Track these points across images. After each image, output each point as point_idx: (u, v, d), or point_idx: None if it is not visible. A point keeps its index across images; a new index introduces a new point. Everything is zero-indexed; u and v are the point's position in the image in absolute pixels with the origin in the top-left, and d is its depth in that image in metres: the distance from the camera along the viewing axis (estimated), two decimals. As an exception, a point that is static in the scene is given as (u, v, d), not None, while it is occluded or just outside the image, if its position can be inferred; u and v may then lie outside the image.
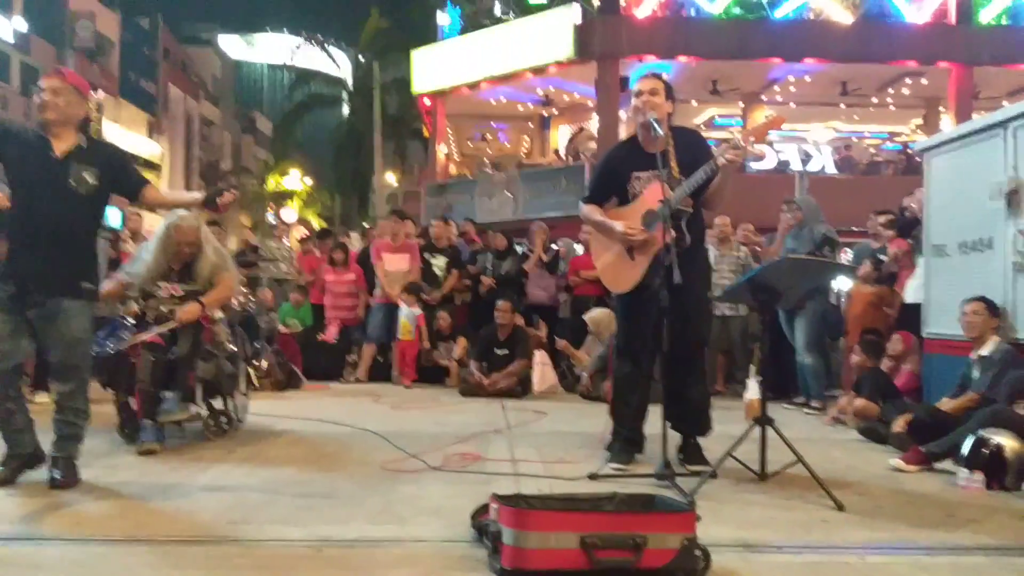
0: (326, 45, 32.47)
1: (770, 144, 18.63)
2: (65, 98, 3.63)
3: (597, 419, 4.95)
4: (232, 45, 50.85)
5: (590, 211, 4.42)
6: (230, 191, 3.82)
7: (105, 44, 26.92)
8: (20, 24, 24.39)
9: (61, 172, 3.58)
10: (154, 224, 6.35)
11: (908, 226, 6.94)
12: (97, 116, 25.30)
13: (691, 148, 4.16)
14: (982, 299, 4.81)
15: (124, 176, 3.81)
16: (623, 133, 18.20)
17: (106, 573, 2.53)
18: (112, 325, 4.72)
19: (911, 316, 6.25)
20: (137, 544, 2.81)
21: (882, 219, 7.31)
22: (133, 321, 4.74)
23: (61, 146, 3.63)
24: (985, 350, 4.71)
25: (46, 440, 3.68)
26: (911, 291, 6.45)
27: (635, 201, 4.23)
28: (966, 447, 3.98)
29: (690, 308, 4.02)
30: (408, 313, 8.31)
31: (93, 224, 3.80)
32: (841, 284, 7.07)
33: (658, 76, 4.32)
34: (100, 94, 26.19)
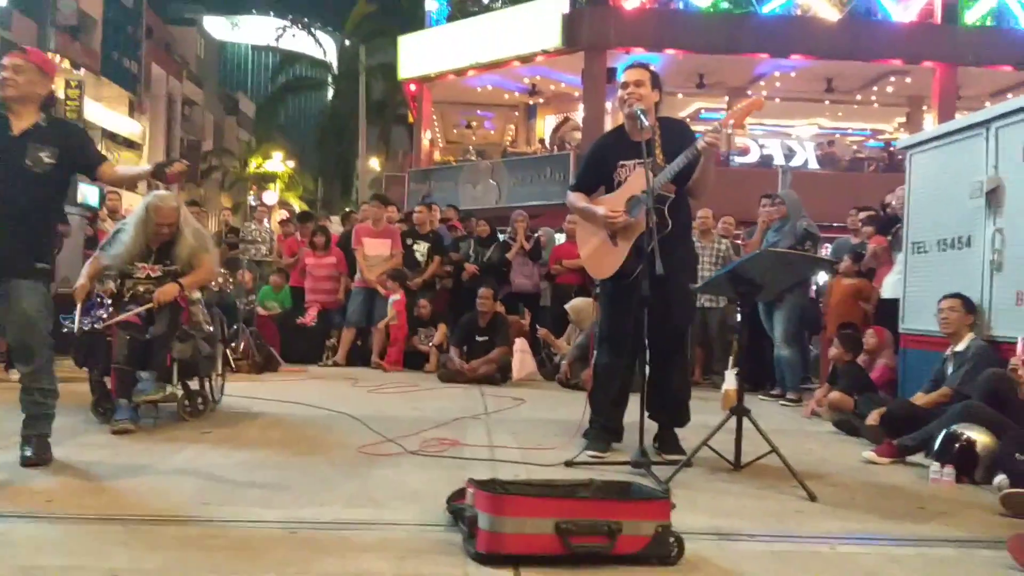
0: (312, 28, 32.22)
1: (754, 139, 18.73)
2: (26, 76, 3.59)
3: (575, 407, 4.96)
4: (217, 26, 50.36)
5: (575, 199, 4.43)
6: (180, 162, 3.79)
7: (88, 22, 26.55)
8: (1, 0, 23.99)
9: (17, 151, 3.54)
10: (133, 203, 6.29)
11: (888, 223, 6.99)
12: (77, 93, 25.01)
13: (677, 137, 4.16)
14: (958, 296, 4.86)
15: (82, 155, 3.76)
16: (609, 124, 18.21)
17: (78, 551, 2.51)
18: (89, 304, 4.67)
19: (888, 311, 6.31)
20: (110, 522, 2.79)
21: (862, 215, 7.37)
22: (109, 300, 4.69)
23: (19, 124, 3.58)
24: (960, 346, 4.76)
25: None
26: (888, 287, 6.51)
27: (620, 188, 4.24)
28: (938, 441, 4.03)
29: (672, 298, 4.03)
30: (390, 300, 8.30)
31: (49, 204, 3.74)
32: (820, 278, 7.13)
33: (644, 66, 4.31)
34: (81, 72, 25.86)
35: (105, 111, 27.48)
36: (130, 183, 4.57)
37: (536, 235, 9.25)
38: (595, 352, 4.58)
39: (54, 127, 3.69)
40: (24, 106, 3.61)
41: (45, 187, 3.63)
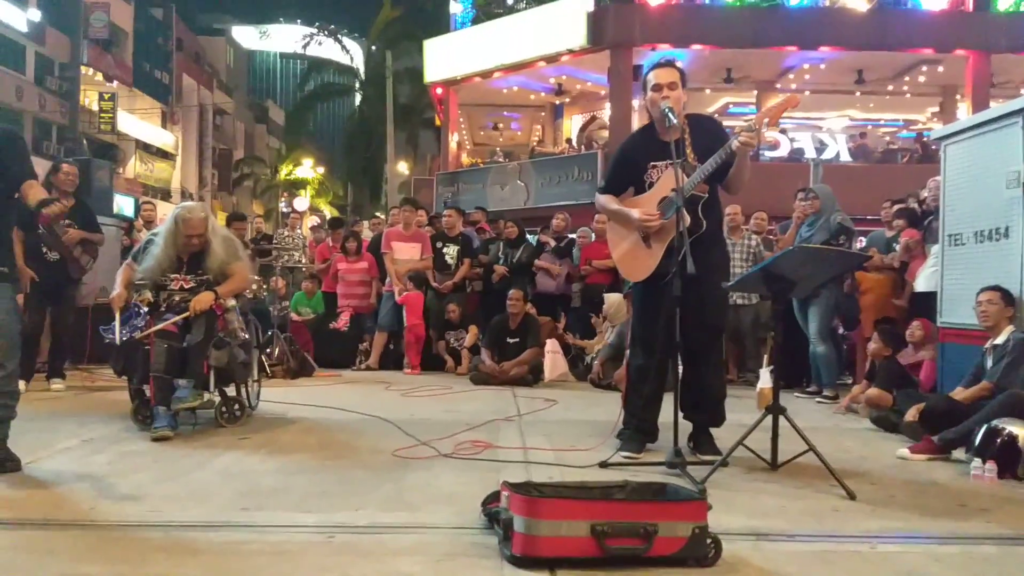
0: (339, 35, 32.45)
1: (784, 132, 18.53)
2: None
3: (608, 407, 4.95)
4: (245, 35, 50.95)
5: (606, 201, 4.40)
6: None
7: (119, 35, 27.03)
8: (34, 15, 24.51)
9: None
10: (167, 215, 6.39)
11: (920, 217, 6.90)
12: (111, 106, 25.44)
13: (708, 135, 4.13)
14: (997, 288, 4.77)
15: (12, 166, 3.67)
16: (636, 122, 18.13)
17: (119, 558, 2.55)
18: (127, 314, 4.75)
19: (923, 305, 6.22)
20: (150, 529, 2.84)
21: (893, 208, 7.30)
22: (147, 309, 4.76)
23: None
24: (999, 339, 4.67)
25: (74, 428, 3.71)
26: (922, 280, 6.42)
27: (651, 189, 4.21)
28: (979, 436, 3.96)
29: (707, 297, 4.00)
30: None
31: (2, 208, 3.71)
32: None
33: (675, 65, 4.26)
34: (114, 84, 26.32)
35: (139, 123, 27.95)
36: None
37: (576, 235, 9.27)
38: (628, 353, 4.55)
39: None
40: None
41: None
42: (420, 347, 8.44)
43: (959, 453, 4.21)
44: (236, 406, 5.02)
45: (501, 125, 25.11)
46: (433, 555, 2.60)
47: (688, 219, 3.90)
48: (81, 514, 3.01)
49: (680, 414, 3.82)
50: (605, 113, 19.79)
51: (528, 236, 9.59)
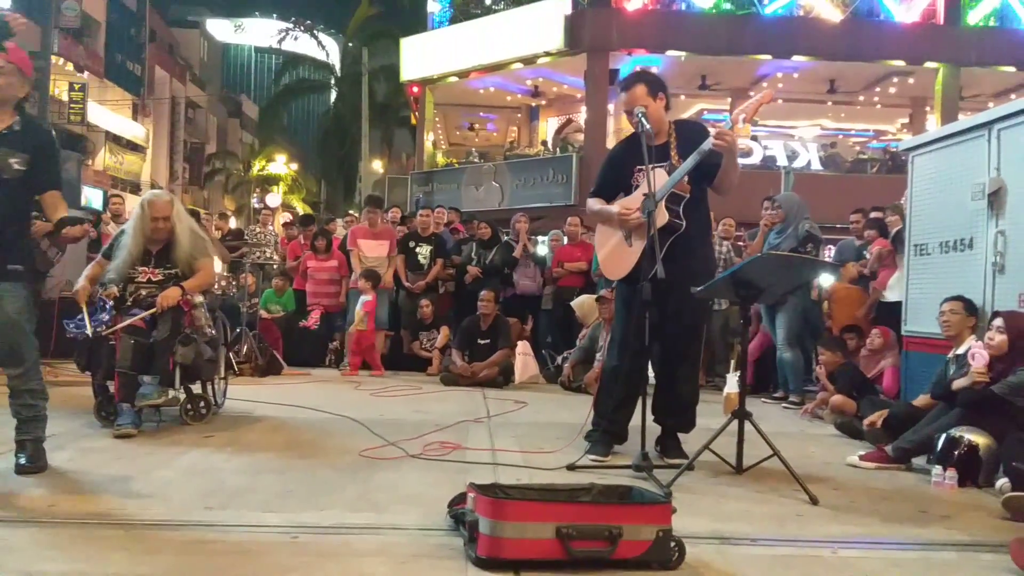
0: (315, 31, 32.27)
1: (756, 140, 18.71)
2: (6, 78, 3.50)
3: (577, 410, 4.97)
4: (220, 28, 50.43)
5: (593, 203, 4.47)
6: (81, 226, 3.69)
7: (91, 24, 26.61)
8: (4, 2, 24.06)
9: None
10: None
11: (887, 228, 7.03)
12: (81, 96, 25.04)
13: (693, 138, 4.14)
14: (960, 298, 4.85)
15: (43, 171, 3.60)
16: (611, 125, 18.24)
17: (79, 556, 2.51)
18: (92, 308, 4.68)
19: (893, 315, 6.33)
20: (111, 527, 2.80)
21: (858, 217, 7.47)
22: (111, 304, 4.70)
23: None
24: (962, 349, 4.73)
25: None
26: (892, 290, 6.52)
27: (637, 191, 4.25)
28: (939, 445, 4.02)
29: (683, 301, 4.03)
30: (360, 300, 8.20)
31: (21, 207, 3.63)
32: (824, 281, 7.13)
33: (638, 81, 4.24)
34: (85, 75, 25.91)
35: (109, 114, 27.53)
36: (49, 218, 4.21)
37: (548, 238, 9.29)
38: (605, 354, 4.57)
39: (28, 133, 3.56)
40: (1, 108, 3.52)
41: (15, 190, 3.52)
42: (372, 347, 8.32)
43: (920, 460, 4.28)
44: (202, 404, 4.97)
45: (477, 126, 25.11)
46: (398, 556, 2.59)
47: (664, 219, 3.95)
48: (41, 511, 2.96)
49: (650, 417, 3.84)
50: (581, 116, 19.87)
51: (501, 237, 9.58)
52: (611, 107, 17.48)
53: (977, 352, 4.19)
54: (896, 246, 6.71)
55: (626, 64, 17.68)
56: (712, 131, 3.93)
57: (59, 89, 24.75)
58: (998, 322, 4.28)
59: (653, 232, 3.71)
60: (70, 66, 25.38)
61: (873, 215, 7.50)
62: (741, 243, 8.21)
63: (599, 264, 4.64)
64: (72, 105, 25.25)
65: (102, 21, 27.61)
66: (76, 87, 25.25)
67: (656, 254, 3.62)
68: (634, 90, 4.17)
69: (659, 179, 3.92)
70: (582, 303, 7.77)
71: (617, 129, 17.42)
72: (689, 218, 4.11)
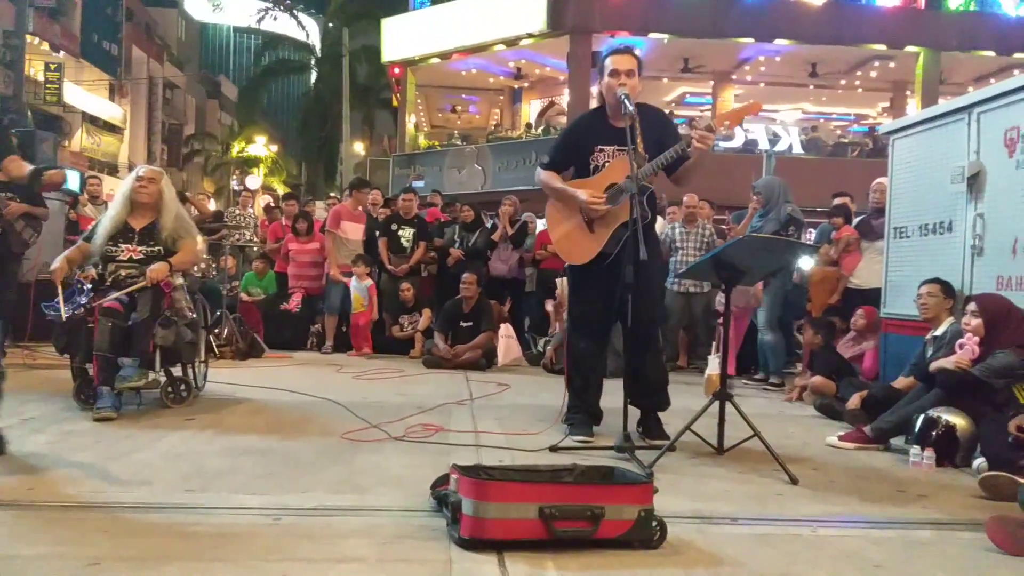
0: (294, 10, 31.90)
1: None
2: None
3: (559, 392, 4.97)
4: (198, 7, 49.70)
5: (549, 177, 4.42)
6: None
7: (67, 3, 26.13)
8: (-24, -21, 23.55)
9: None
10: (115, 189, 6.25)
11: (856, 214, 7.13)
12: (57, 76, 24.66)
13: (656, 126, 4.17)
14: (937, 280, 4.90)
15: None
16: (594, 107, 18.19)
17: (59, 540, 2.49)
18: (69, 290, 4.63)
19: (856, 300, 6.46)
20: (91, 510, 2.78)
21: (836, 201, 7.58)
22: (90, 286, 4.65)
23: None
24: (939, 331, 4.79)
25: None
26: (858, 276, 6.69)
27: (598, 174, 4.24)
28: (917, 426, 4.07)
29: (643, 285, 4.04)
30: (359, 286, 8.25)
31: None
32: (804, 264, 7.17)
33: (633, 53, 4.26)
34: (61, 55, 25.50)
35: (86, 95, 27.15)
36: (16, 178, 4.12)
37: (522, 219, 9.24)
38: (568, 337, 4.58)
39: None
40: None
41: None
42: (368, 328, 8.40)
43: (898, 441, 4.33)
44: (182, 386, 4.94)
45: (459, 108, 25.00)
46: (380, 537, 2.59)
47: (642, 207, 3.95)
48: (20, 494, 2.93)
49: (628, 399, 3.87)
50: (564, 99, 19.82)
51: (485, 220, 9.56)
52: (593, 89, 17.43)
53: (968, 345, 4.22)
54: (862, 232, 6.80)
55: (609, 45, 17.63)
56: (694, 134, 3.95)
57: (34, 69, 24.36)
58: (972, 306, 4.33)
59: (637, 215, 3.71)
60: (46, 46, 24.97)
61: (837, 201, 7.56)
62: (724, 226, 8.24)
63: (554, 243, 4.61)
64: (48, 85, 24.87)
65: (78, 0, 27.15)
66: (52, 67, 24.87)
67: (639, 237, 3.62)
68: (633, 60, 4.17)
69: (624, 165, 3.93)
70: (566, 285, 7.77)
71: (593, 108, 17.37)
72: (650, 208, 4.14)
